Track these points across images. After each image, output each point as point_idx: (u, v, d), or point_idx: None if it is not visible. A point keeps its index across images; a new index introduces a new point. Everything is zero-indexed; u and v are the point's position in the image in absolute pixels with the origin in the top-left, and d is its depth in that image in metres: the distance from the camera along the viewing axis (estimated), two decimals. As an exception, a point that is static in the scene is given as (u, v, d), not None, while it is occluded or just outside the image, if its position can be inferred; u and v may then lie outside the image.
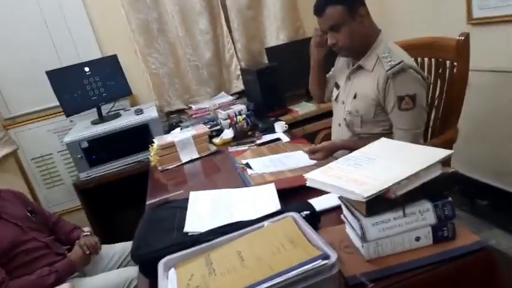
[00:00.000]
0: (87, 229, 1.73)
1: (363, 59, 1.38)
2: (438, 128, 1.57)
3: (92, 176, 2.15)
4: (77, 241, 1.60)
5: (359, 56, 1.39)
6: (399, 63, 1.26)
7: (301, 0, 2.70)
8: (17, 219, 1.52)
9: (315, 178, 0.89)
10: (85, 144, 2.08)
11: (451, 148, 1.53)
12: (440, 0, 2.14)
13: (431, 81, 1.62)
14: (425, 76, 1.31)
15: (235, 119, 2.12)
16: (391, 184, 0.78)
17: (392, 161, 0.88)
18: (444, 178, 0.84)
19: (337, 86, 1.55)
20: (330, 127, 1.69)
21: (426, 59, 1.63)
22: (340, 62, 1.56)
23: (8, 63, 2.34)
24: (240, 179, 1.50)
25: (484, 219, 2.08)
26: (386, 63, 1.27)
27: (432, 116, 1.62)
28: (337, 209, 1.02)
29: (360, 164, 0.90)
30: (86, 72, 2.24)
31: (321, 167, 0.94)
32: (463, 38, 1.42)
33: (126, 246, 1.70)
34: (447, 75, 1.53)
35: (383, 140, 1.00)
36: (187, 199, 1.18)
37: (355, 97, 1.40)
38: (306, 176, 0.91)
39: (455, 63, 1.48)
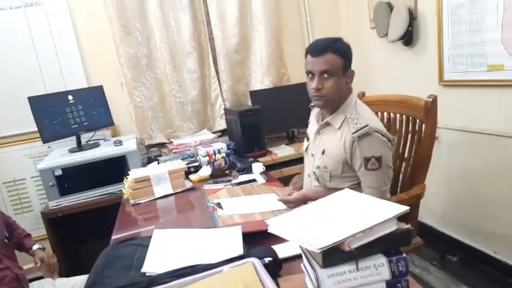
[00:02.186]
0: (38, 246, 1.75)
1: (332, 117, 1.41)
2: (407, 183, 1.62)
3: (62, 205, 2.09)
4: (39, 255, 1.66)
5: (330, 110, 1.43)
6: (364, 126, 1.30)
7: (287, 50, 2.86)
8: None
9: (275, 224, 0.90)
10: (59, 172, 2.05)
11: (418, 203, 1.57)
12: (417, 60, 2.28)
13: (403, 135, 1.69)
14: (391, 138, 1.35)
15: (214, 156, 2.14)
16: (346, 236, 0.79)
17: (351, 214, 0.90)
18: (399, 234, 0.86)
19: (307, 138, 1.58)
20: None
21: (398, 115, 1.71)
22: (312, 115, 1.61)
23: (-8, 85, 2.34)
24: (210, 219, 1.49)
25: (453, 275, 2.09)
26: (353, 125, 1.32)
27: (402, 170, 1.67)
28: (300, 257, 1.02)
29: (320, 214, 0.92)
30: (69, 100, 2.25)
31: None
32: (430, 100, 1.50)
33: (85, 280, 1.65)
34: (416, 132, 1.60)
35: (345, 191, 1.02)
36: (151, 237, 1.16)
37: (323, 153, 1.43)
38: (267, 221, 0.92)
39: (423, 123, 1.55)
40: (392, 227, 0.85)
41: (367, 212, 0.88)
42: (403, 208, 0.87)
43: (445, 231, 2.33)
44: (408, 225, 0.88)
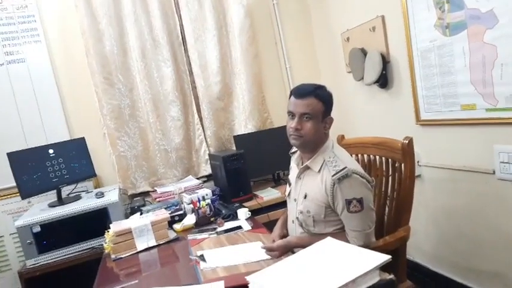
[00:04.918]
0: None
1: (311, 161, 1.44)
2: (392, 224, 1.61)
3: (40, 264, 2.00)
4: None
5: (308, 153, 1.46)
6: (343, 169, 1.32)
7: (268, 94, 2.94)
8: None
9: (255, 281, 0.87)
10: (37, 229, 1.98)
11: (405, 246, 1.55)
12: (393, 102, 2.35)
13: (384, 177, 1.70)
14: (369, 179, 1.37)
15: (198, 204, 2.10)
16: (327, 292, 0.77)
17: (333, 266, 0.88)
18: (383, 285, 0.84)
19: (289, 183, 1.60)
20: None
21: (378, 157, 1.73)
22: (292, 161, 1.63)
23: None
24: (194, 272, 1.44)
25: (448, 317, 2.03)
26: (332, 167, 1.34)
27: (386, 212, 1.66)
28: (284, 312, 0.98)
29: (302, 267, 0.89)
30: (49, 154, 2.22)
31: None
32: (406, 141, 1.53)
33: None
34: (396, 173, 1.61)
35: (327, 240, 1.01)
36: (129, 298, 1.11)
37: (305, 197, 1.44)
38: (248, 278, 0.89)
39: (402, 164, 1.57)
40: (375, 278, 0.84)
41: (349, 263, 0.87)
42: (385, 258, 0.86)
43: (438, 270, 2.28)
44: (391, 276, 0.86)
